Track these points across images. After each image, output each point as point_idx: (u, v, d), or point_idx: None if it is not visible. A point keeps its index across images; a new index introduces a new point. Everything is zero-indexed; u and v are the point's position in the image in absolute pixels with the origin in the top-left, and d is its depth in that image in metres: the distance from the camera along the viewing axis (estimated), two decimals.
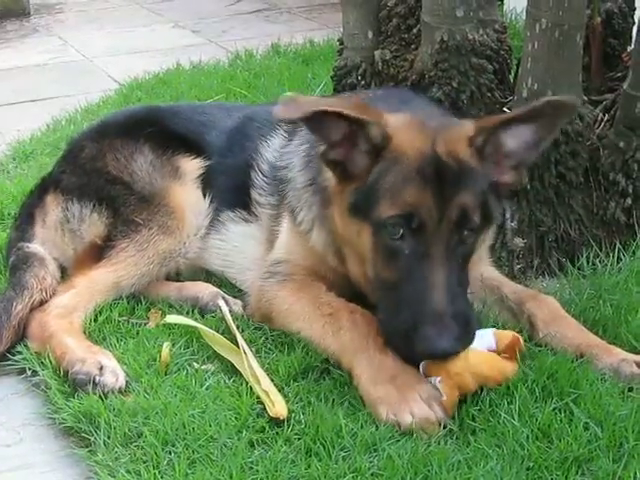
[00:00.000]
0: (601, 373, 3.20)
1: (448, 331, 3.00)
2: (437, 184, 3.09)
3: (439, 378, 3.04)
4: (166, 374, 3.29)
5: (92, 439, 3.03)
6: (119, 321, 3.61)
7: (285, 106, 3.20)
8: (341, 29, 4.67)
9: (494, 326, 3.39)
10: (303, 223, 3.58)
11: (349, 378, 3.18)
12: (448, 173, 3.11)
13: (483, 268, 3.63)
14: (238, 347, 3.34)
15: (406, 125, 3.22)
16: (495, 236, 3.73)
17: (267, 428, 2.99)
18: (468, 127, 3.24)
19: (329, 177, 3.38)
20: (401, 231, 3.11)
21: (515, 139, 3.22)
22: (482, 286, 3.56)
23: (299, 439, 2.94)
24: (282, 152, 3.80)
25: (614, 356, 3.25)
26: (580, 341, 3.33)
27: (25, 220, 4.01)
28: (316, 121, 3.16)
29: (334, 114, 3.13)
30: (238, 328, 3.46)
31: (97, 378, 3.20)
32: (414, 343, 3.04)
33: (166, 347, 3.36)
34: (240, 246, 3.88)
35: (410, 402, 3.00)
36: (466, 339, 3.06)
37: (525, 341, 3.28)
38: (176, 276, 3.87)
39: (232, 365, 3.31)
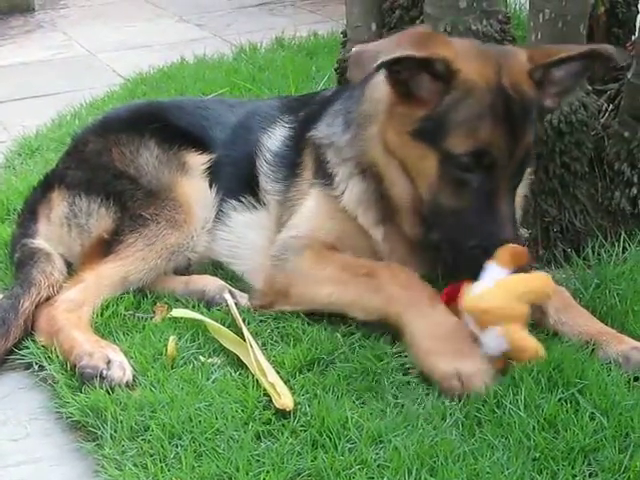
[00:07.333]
0: (610, 361, 3.19)
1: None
2: (508, 122, 3.17)
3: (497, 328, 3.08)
4: (172, 368, 3.29)
5: (99, 433, 3.03)
6: (125, 315, 3.61)
7: (352, 68, 3.20)
8: (345, 22, 4.67)
9: None
10: (337, 183, 3.57)
11: (398, 331, 3.24)
12: (516, 109, 3.19)
13: None
14: (244, 340, 3.34)
15: (472, 53, 3.27)
16: None
17: (273, 420, 3.00)
18: (525, 57, 3.30)
19: (381, 95, 3.38)
20: (471, 166, 3.18)
21: (563, 70, 3.32)
22: None
23: (305, 431, 2.94)
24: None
25: (625, 344, 3.25)
26: (591, 329, 3.33)
27: (28, 217, 4.00)
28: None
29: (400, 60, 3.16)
30: (244, 321, 3.45)
31: (104, 372, 3.20)
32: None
33: (172, 341, 3.36)
34: (246, 236, 3.88)
35: (471, 355, 3.07)
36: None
37: (532, 331, 3.28)
38: (185, 269, 3.87)
39: (238, 358, 3.31)
